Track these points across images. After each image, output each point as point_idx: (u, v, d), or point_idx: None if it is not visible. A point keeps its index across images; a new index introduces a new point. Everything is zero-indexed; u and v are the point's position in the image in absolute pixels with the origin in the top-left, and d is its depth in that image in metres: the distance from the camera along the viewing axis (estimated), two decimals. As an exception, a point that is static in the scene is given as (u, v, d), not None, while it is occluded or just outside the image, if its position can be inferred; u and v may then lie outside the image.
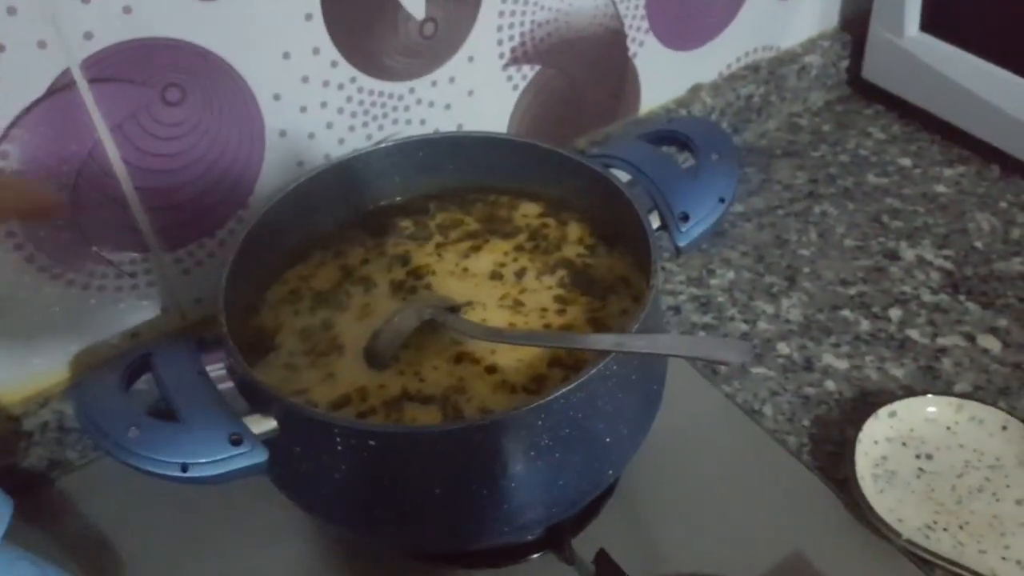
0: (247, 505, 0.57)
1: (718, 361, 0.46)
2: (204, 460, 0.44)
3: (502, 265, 0.58)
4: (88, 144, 0.55)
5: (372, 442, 0.44)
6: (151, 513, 0.59)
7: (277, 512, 0.57)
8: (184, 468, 0.43)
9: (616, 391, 0.48)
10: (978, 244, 0.74)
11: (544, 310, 0.55)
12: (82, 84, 0.52)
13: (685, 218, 0.53)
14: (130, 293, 0.61)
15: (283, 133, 0.61)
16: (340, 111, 0.63)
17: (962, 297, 0.70)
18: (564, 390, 0.44)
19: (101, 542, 0.59)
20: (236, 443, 0.44)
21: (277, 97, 0.60)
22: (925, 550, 0.53)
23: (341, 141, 0.64)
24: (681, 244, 0.53)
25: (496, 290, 0.57)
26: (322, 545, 0.57)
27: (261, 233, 0.55)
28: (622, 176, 0.56)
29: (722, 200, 0.53)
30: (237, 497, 0.55)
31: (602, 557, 0.52)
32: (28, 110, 0.51)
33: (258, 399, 0.46)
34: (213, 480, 0.44)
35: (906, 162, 0.83)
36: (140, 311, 0.62)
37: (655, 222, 0.54)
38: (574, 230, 0.60)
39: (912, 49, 0.83)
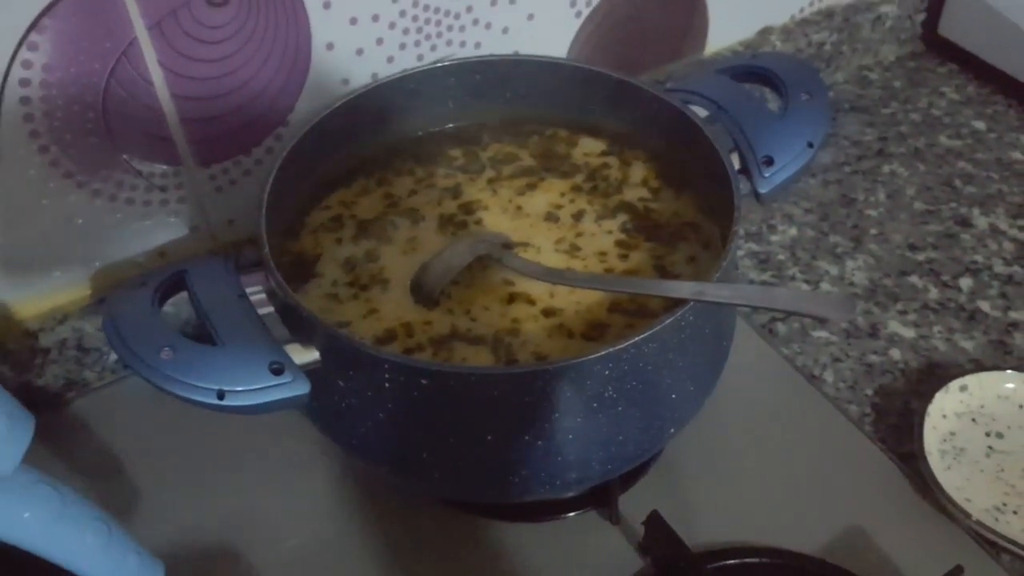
0: (271, 437, 0.54)
1: (817, 317, 0.42)
2: (242, 388, 0.40)
3: (558, 207, 0.54)
4: (123, 42, 0.50)
5: (424, 381, 0.41)
6: (169, 441, 0.56)
7: (304, 447, 0.55)
8: (221, 395, 0.40)
9: (688, 344, 0.44)
10: (1055, 216, 0.70)
11: (603, 254, 0.51)
12: (121, -27, 0.48)
13: (769, 162, 0.49)
14: (159, 208, 0.57)
15: (330, 46, 0.57)
16: (392, 26, 0.58)
17: (1036, 271, 0.66)
18: (637, 339, 0.40)
19: (116, 468, 0.56)
20: (277, 372, 0.41)
21: (327, 5, 0.55)
22: (994, 532, 0.50)
23: (390, 60, 0.60)
24: (763, 190, 0.49)
25: (552, 232, 0.53)
26: (349, 484, 0.54)
27: (303, 152, 0.51)
28: (700, 113, 0.51)
29: (811, 145, 0.49)
30: (261, 428, 0.52)
31: (654, 519, 0.48)
32: (61, -2, 0.47)
33: (301, 327, 0.43)
34: (251, 410, 0.41)
35: (980, 125, 0.79)
36: (168, 228, 0.59)
37: (735, 164, 0.49)
38: (638, 171, 0.56)
39: (994, 4, 0.77)
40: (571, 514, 0.52)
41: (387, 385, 0.41)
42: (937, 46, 0.85)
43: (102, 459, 0.56)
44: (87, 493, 0.53)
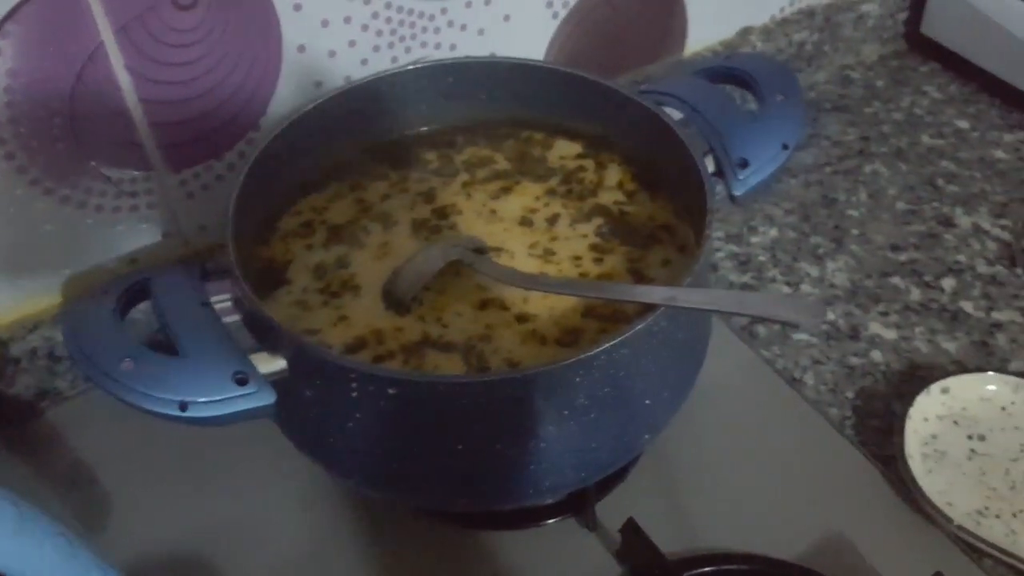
0: (248, 447, 0.53)
1: (786, 322, 0.41)
2: (205, 399, 0.39)
3: (533, 211, 0.53)
4: (89, 46, 0.50)
5: (392, 390, 0.40)
6: (143, 451, 0.55)
7: (281, 457, 0.53)
8: (183, 407, 0.39)
9: (661, 349, 0.43)
10: (1038, 215, 0.70)
11: (578, 258, 0.51)
12: (85, -23, 0.47)
13: (744, 164, 0.48)
14: (129, 215, 0.57)
15: (302, 48, 0.56)
16: (365, 28, 0.57)
17: (1019, 270, 0.65)
18: (608, 344, 0.40)
19: (89, 479, 0.55)
20: (241, 383, 0.40)
21: (298, 7, 0.54)
22: (976, 537, 0.49)
23: (364, 62, 0.59)
24: (737, 193, 0.48)
25: (526, 237, 0.52)
26: (325, 494, 0.53)
27: (274, 156, 0.50)
28: (675, 115, 0.51)
29: (785, 147, 0.48)
30: (237, 438, 0.50)
31: (631, 526, 0.48)
32: (26, 1, 0.46)
33: (267, 336, 0.42)
34: (214, 421, 0.40)
35: (963, 124, 0.78)
36: (140, 235, 0.58)
37: (709, 167, 0.49)
38: (613, 173, 0.55)
39: (976, 3, 0.77)
40: (549, 521, 0.51)
41: (354, 395, 0.41)
42: (920, 45, 0.85)
43: (75, 470, 0.55)
44: (59, 504, 0.53)
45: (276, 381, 0.41)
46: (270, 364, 0.41)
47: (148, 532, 0.52)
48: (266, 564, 0.50)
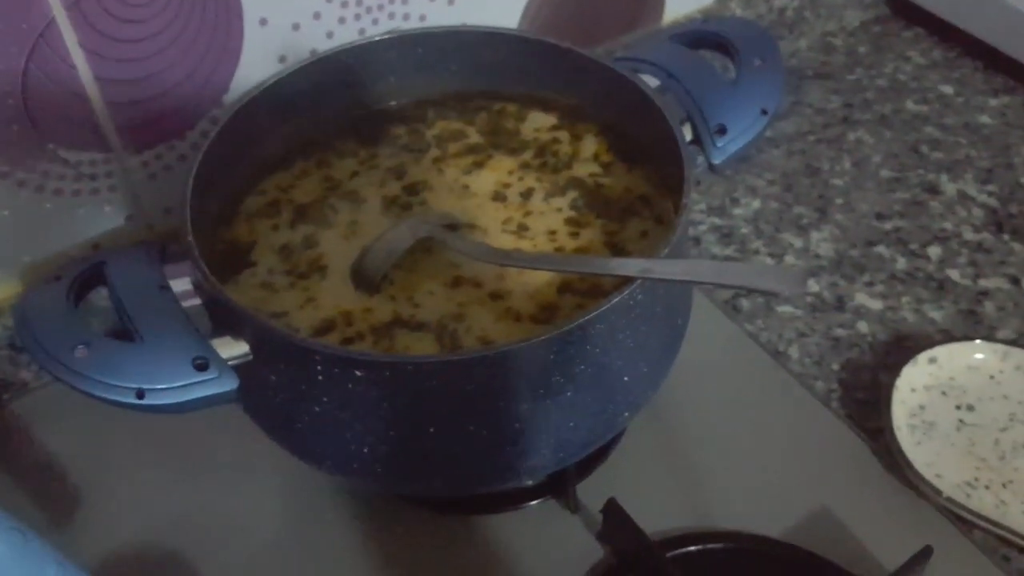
0: (223, 435, 0.52)
1: (767, 292, 0.40)
2: (163, 386, 0.38)
3: (506, 185, 0.52)
4: (40, 23, 0.48)
5: (358, 372, 0.38)
6: (114, 442, 0.54)
7: (253, 443, 0.52)
8: (140, 395, 0.38)
9: (639, 323, 0.42)
10: (1025, 180, 0.68)
11: (553, 233, 0.49)
12: (29, -52, 0.45)
13: (722, 131, 0.47)
14: (90, 198, 0.55)
15: (263, 22, 0.54)
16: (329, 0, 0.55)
17: (1006, 236, 0.64)
18: (581, 320, 0.38)
19: (55, 472, 0.53)
20: (201, 368, 0.38)
21: (258, -21, 0.52)
22: (965, 508, 0.48)
23: (329, 35, 0.57)
24: (716, 161, 0.47)
25: (500, 212, 0.50)
26: (306, 480, 0.52)
27: (235, 133, 0.49)
28: (651, 82, 0.49)
29: (764, 112, 0.47)
30: (212, 425, 0.49)
31: (612, 507, 0.47)
32: (-35, -24, 0.44)
33: (228, 320, 0.40)
34: (173, 409, 0.38)
35: (948, 89, 0.77)
36: (102, 219, 0.56)
37: (687, 135, 0.47)
38: (589, 144, 0.54)
39: (961, -35, 0.75)
40: (529, 503, 0.50)
41: (320, 378, 0.39)
42: (903, 10, 0.83)
43: (41, 463, 0.54)
44: (24, 498, 0.52)
45: (239, 366, 0.40)
46: (232, 348, 0.40)
47: (119, 526, 0.50)
48: (243, 553, 0.49)
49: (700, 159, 0.48)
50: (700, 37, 0.52)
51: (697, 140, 0.47)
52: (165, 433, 0.52)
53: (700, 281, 0.40)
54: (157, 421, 0.44)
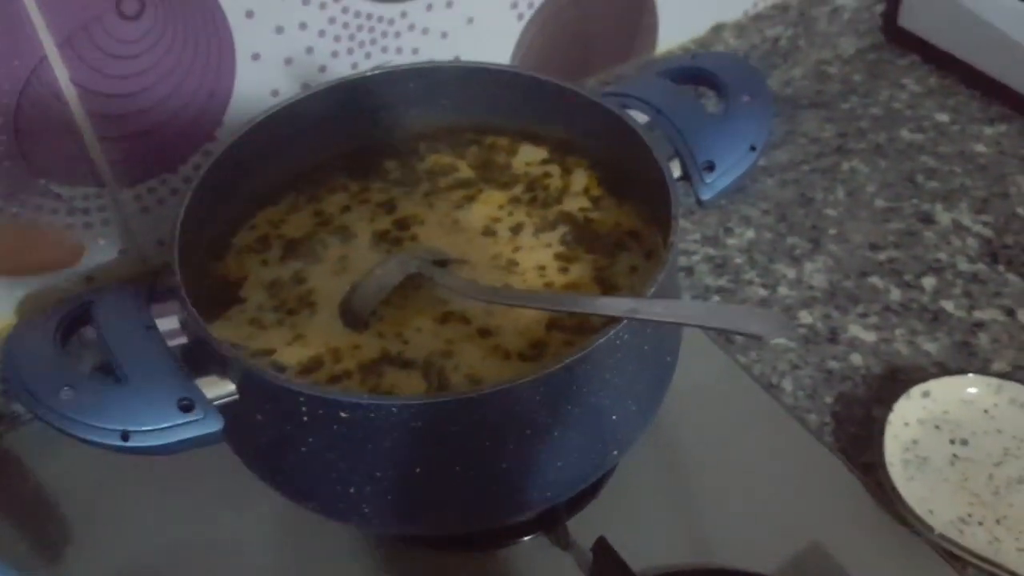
0: (212, 467, 0.51)
1: (749, 335, 0.40)
2: (148, 428, 0.38)
3: (496, 220, 0.52)
4: (32, 61, 0.48)
5: (343, 413, 0.38)
6: (103, 474, 0.53)
7: (243, 479, 0.52)
8: (125, 436, 0.38)
9: (626, 363, 0.42)
10: (1020, 210, 0.68)
11: (543, 268, 0.49)
12: (23, -12, 0.45)
13: (710, 167, 0.47)
14: (83, 232, 0.55)
15: (256, 57, 0.54)
16: (322, 34, 0.56)
17: (1001, 267, 0.64)
18: (567, 361, 0.38)
19: (49, 506, 0.53)
20: (186, 409, 0.38)
21: (250, 14, 0.53)
22: (958, 545, 0.48)
23: (322, 69, 0.57)
24: (704, 197, 0.47)
25: (489, 248, 0.50)
26: (298, 515, 0.51)
27: (226, 168, 0.49)
28: (640, 118, 0.49)
29: (753, 148, 0.47)
30: (201, 457, 0.49)
31: (601, 545, 0.46)
32: (-42, 16, 0.45)
33: (214, 359, 0.40)
34: (158, 451, 0.38)
35: (943, 118, 0.77)
36: (95, 253, 0.56)
37: (675, 171, 0.47)
38: (579, 179, 0.54)
39: (955, -7, 0.75)
40: (521, 540, 0.50)
41: (305, 419, 0.39)
42: (898, 38, 0.83)
43: (34, 496, 0.54)
44: (15, 533, 0.52)
45: (226, 405, 0.40)
46: (218, 388, 0.40)
47: (111, 558, 0.50)
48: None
49: (688, 194, 0.48)
50: (689, 72, 0.52)
51: (686, 176, 0.48)
52: (157, 465, 0.52)
53: (686, 323, 0.39)
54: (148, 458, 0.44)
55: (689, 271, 0.64)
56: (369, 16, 0.57)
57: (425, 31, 0.60)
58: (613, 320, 0.40)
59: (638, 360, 0.43)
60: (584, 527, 0.49)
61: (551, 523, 0.49)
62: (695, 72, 0.51)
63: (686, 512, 0.51)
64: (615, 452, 0.45)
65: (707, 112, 0.49)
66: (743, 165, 0.47)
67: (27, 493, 0.54)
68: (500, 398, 0.38)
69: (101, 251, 0.56)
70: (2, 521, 0.53)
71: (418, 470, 0.40)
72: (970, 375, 0.55)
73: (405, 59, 0.60)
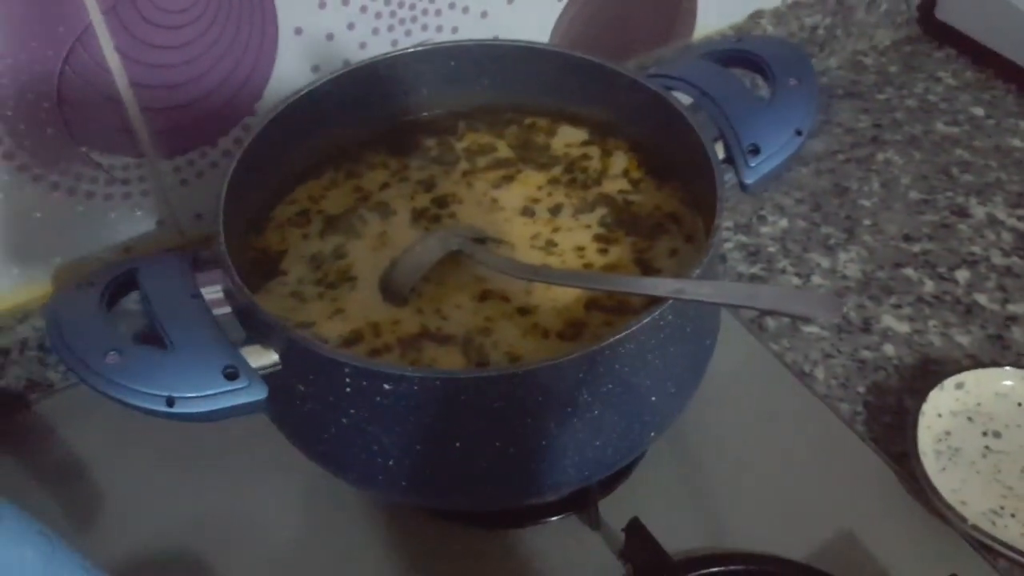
0: (247, 439, 0.52)
1: (802, 316, 0.40)
2: (193, 394, 0.38)
3: (535, 200, 0.52)
4: (77, 28, 0.48)
5: (386, 385, 0.38)
6: (137, 444, 0.54)
7: (278, 449, 0.52)
8: (170, 402, 0.38)
9: (668, 344, 0.42)
10: (1055, 205, 0.68)
11: (581, 249, 0.49)
12: (71, -45, 0.45)
13: (755, 151, 0.46)
14: (122, 202, 0.55)
15: (298, 31, 0.54)
16: (364, 10, 0.56)
17: (1036, 262, 0.64)
18: (611, 340, 0.38)
19: (79, 473, 0.54)
20: (231, 377, 0.39)
21: (294, -12, 0.53)
22: (990, 537, 0.48)
23: (363, 45, 0.57)
24: (748, 181, 0.47)
25: (527, 228, 0.50)
26: (321, 489, 0.52)
27: (268, 142, 0.49)
28: (684, 100, 0.49)
29: (799, 133, 0.47)
30: (236, 429, 0.49)
31: (635, 526, 0.46)
32: (9, -20, 0.45)
33: (259, 329, 0.41)
34: (203, 417, 0.39)
35: (979, 111, 0.76)
36: (133, 223, 0.56)
37: (719, 153, 0.47)
38: (619, 160, 0.53)
39: (994, -14, 0.75)
40: (551, 519, 0.50)
41: (348, 390, 0.39)
42: (934, 30, 0.83)
43: (65, 463, 0.54)
44: (48, 499, 0.52)
45: (268, 375, 0.40)
46: (262, 358, 0.40)
47: (141, 528, 0.51)
48: (264, 556, 0.49)
49: (730, 178, 0.48)
50: (733, 55, 0.52)
51: (729, 159, 0.47)
52: (188, 434, 0.52)
53: (733, 304, 0.39)
54: (180, 424, 0.44)
55: (722, 258, 0.64)
56: (411, -7, 0.57)
57: (466, 10, 0.59)
58: (656, 301, 0.40)
59: (679, 342, 0.43)
60: (615, 508, 0.49)
61: (583, 503, 0.49)
62: (741, 55, 0.51)
63: (717, 497, 0.51)
64: (652, 433, 0.45)
65: (753, 96, 0.49)
66: (789, 149, 0.47)
67: (59, 460, 0.54)
68: (544, 375, 0.39)
69: (138, 222, 0.56)
70: (34, 487, 0.53)
71: (458, 444, 0.41)
72: (1007, 368, 0.54)
73: (445, 37, 0.60)
